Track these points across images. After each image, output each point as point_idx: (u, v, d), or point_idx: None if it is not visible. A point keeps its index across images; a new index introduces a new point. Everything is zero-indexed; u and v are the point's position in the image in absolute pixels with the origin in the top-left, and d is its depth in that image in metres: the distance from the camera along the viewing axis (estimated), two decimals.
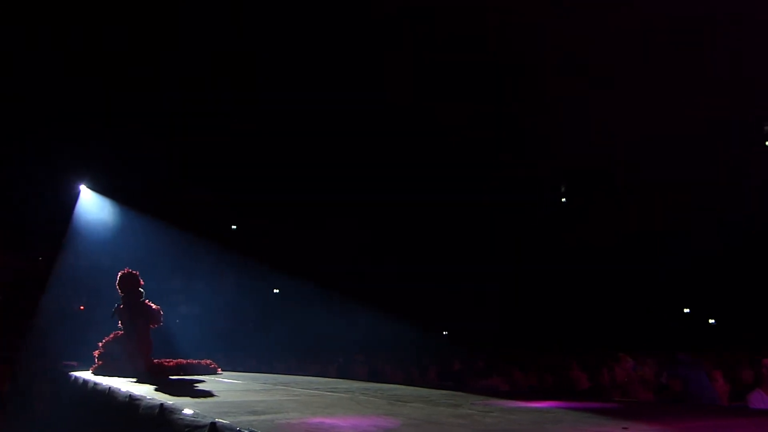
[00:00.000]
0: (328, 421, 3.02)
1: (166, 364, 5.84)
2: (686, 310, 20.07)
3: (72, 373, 6.36)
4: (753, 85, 13.22)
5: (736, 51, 13.67)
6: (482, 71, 16.23)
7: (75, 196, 17.64)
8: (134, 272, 5.99)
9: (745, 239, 16.10)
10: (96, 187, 17.77)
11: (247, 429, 2.64)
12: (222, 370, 6.34)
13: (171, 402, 3.49)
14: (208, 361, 6.28)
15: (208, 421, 2.85)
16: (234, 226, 21.74)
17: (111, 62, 15.53)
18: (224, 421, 2.79)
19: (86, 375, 5.89)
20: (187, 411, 3.17)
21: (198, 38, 15.43)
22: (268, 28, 15.44)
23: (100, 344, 6.16)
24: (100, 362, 6.05)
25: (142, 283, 5.99)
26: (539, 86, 16.13)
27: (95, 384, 5.12)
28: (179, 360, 6.03)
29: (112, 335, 6.16)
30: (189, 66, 16.23)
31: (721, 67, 13.99)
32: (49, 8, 14.35)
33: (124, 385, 4.71)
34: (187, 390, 4.46)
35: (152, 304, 6.03)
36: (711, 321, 19.96)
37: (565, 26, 14.34)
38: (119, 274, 5.95)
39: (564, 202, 20.71)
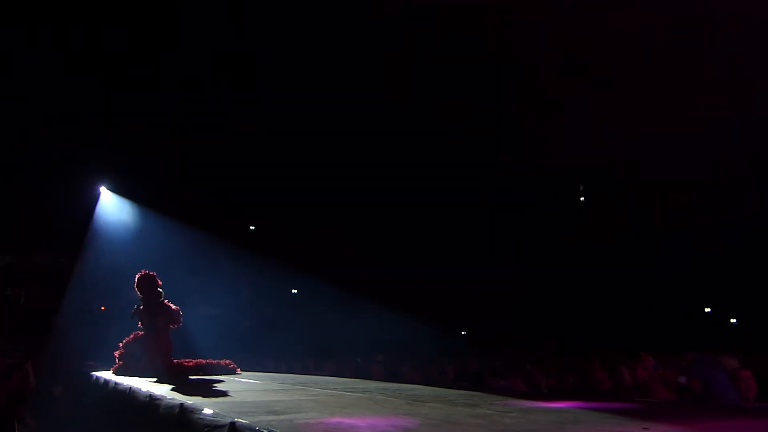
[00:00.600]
0: (346, 421, 3.06)
1: (185, 364, 5.89)
2: (707, 310, 20.01)
3: (93, 373, 6.42)
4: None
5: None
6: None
7: (95, 198, 17.68)
8: (151, 273, 6.03)
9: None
10: (115, 189, 17.81)
11: (266, 429, 2.68)
12: (241, 370, 6.39)
13: (191, 402, 3.54)
14: (227, 361, 6.33)
15: (228, 420, 2.90)
16: (252, 227, 21.73)
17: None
18: (243, 421, 2.83)
19: (107, 375, 5.97)
20: (207, 411, 3.22)
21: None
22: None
23: (121, 344, 6.22)
24: (121, 362, 6.11)
25: (160, 283, 6.02)
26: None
27: (116, 384, 5.18)
28: (199, 360, 6.08)
29: (132, 335, 6.22)
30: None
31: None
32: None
33: (145, 385, 4.76)
34: (207, 390, 4.51)
35: (172, 305, 6.08)
36: (732, 321, 19.92)
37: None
38: (137, 276, 5.99)
39: (582, 201, 20.66)
